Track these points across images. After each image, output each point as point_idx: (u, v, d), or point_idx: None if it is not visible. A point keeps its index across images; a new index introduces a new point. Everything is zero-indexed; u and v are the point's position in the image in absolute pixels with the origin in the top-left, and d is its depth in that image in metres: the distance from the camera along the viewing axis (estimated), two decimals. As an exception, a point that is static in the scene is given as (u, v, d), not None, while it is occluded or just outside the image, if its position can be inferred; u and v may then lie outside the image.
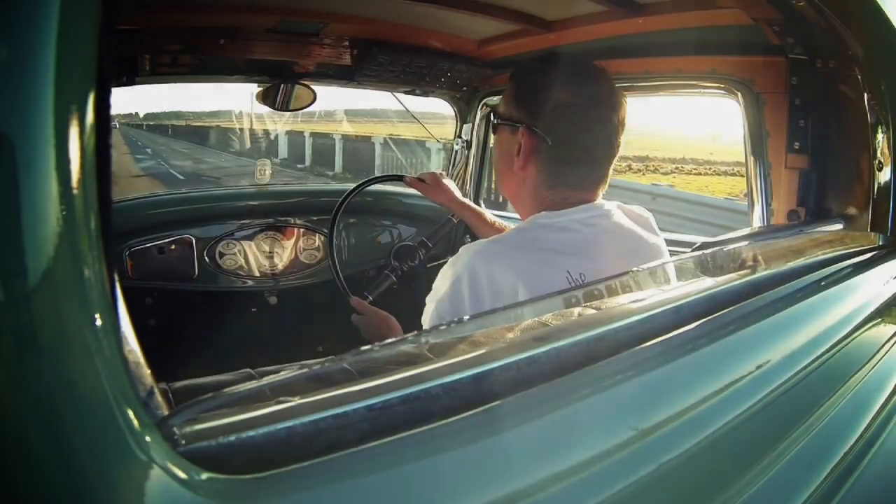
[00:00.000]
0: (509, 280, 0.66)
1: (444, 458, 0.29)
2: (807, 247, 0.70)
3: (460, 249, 0.72)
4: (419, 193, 1.63)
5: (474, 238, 1.40)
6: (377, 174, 1.76)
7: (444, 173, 1.32)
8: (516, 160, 0.74)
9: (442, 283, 0.71)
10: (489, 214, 1.24)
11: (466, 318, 0.45)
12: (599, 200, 0.76)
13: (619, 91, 0.75)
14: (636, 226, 0.78)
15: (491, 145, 1.65)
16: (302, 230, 1.49)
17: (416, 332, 0.38)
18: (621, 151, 0.77)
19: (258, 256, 1.45)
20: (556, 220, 0.73)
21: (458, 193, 1.25)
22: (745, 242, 0.66)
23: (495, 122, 0.78)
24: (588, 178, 0.75)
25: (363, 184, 1.42)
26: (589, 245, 0.71)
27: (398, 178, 1.43)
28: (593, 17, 1.10)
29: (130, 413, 0.22)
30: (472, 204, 1.26)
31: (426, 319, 0.73)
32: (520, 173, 0.75)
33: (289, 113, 1.49)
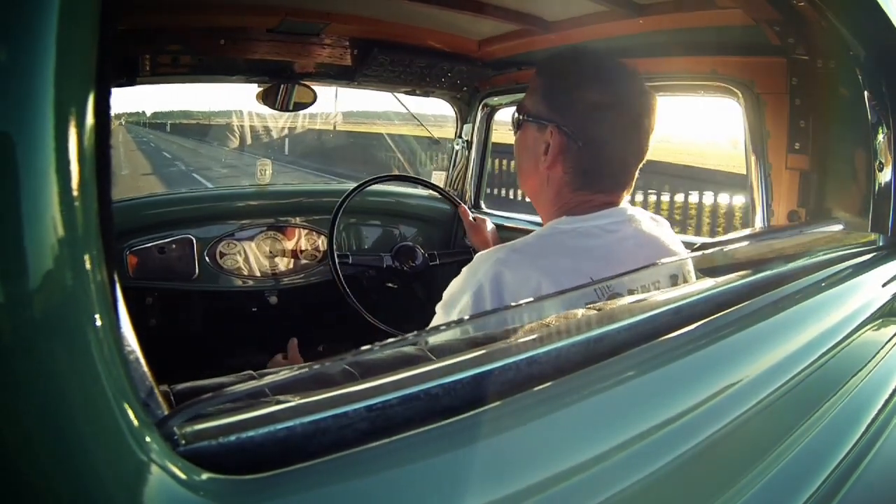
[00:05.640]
0: (531, 288, 0.64)
1: (445, 458, 0.29)
2: (807, 247, 0.70)
3: (478, 256, 0.70)
4: (421, 194, 1.67)
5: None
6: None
7: (492, 223, 1.44)
8: (543, 159, 0.72)
9: (461, 292, 0.68)
10: None
11: (466, 317, 0.45)
12: (623, 204, 0.74)
13: (650, 92, 0.73)
14: (657, 232, 0.76)
15: (487, 141, 1.66)
16: (302, 230, 1.50)
17: (416, 332, 0.38)
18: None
19: (259, 256, 1.45)
20: (577, 225, 0.71)
21: (492, 242, 1.33)
22: (746, 243, 0.66)
23: (521, 118, 0.75)
24: (615, 182, 0.73)
25: (365, 183, 1.43)
26: (610, 252, 0.70)
27: (455, 204, 1.54)
28: (594, 18, 1.10)
29: (130, 413, 0.22)
30: None
31: (438, 318, 0.71)
32: (545, 172, 0.73)
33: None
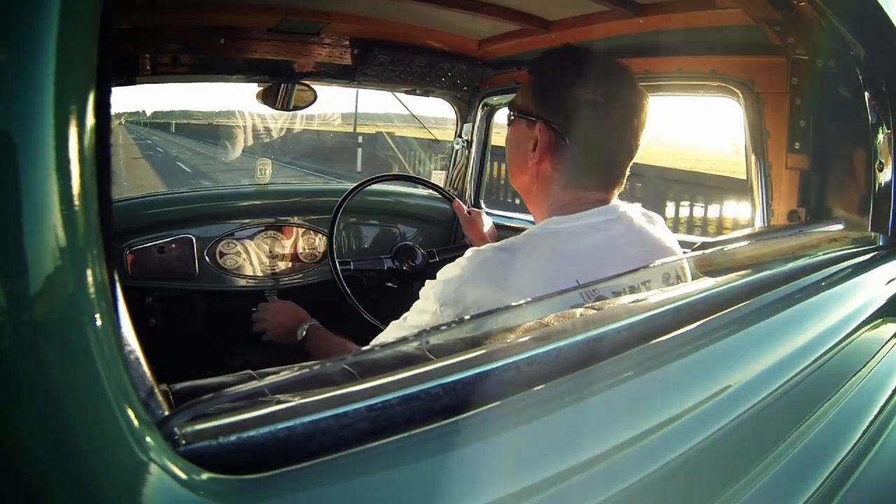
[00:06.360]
0: (514, 289, 0.64)
1: (445, 458, 0.29)
2: (807, 247, 0.70)
3: (468, 251, 0.70)
4: (421, 193, 1.67)
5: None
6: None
7: (489, 217, 1.43)
8: (532, 155, 0.72)
9: (447, 282, 0.68)
10: None
11: (466, 317, 0.45)
12: (615, 202, 0.74)
13: (641, 91, 0.73)
14: (650, 229, 0.75)
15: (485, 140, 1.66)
16: (302, 230, 1.49)
17: (416, 332, 0.38)
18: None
19: (259, 256, 1.45)
20: (567, 224, 0.70)
21: (489, 237, 1.33)
22: (746, 242, 0.66)
23: (512, 114, 0.76)
24: (604, 180, 0.73)
25: (364, 182, 1.43)
26: (601, 251, 0.69)
27: (448, 199, 1.54)
28: (594, 17, 1.09)
29: (131, 413, 0.22)
30: None
31: (423, 294, 0.70)
32: (534, 168, 0.73)
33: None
